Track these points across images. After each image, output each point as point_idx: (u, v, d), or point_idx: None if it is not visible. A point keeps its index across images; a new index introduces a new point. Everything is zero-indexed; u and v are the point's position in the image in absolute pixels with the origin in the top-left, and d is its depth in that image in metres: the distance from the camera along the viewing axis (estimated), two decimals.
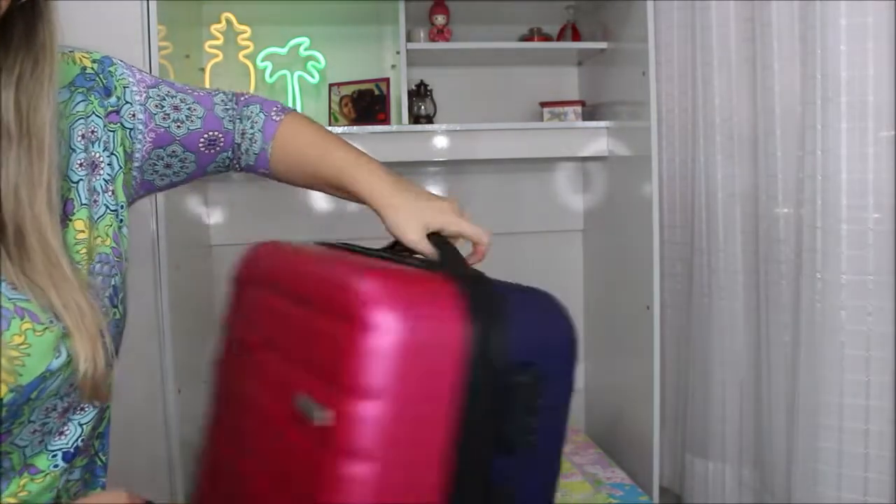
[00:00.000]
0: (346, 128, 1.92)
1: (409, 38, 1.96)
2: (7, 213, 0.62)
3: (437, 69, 2.16)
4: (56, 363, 0.62)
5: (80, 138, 0.72)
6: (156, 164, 0.80)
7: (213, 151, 0.84)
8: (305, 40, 2.02)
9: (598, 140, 2.03)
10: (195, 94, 0.83)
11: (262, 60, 2.00)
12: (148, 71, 1.47)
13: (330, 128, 1.92)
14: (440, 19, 2.04)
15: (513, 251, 2.24)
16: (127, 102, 0.76)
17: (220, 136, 0.84)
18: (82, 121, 0.72)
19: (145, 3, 1.47)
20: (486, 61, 2.18)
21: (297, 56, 2.03)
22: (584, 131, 2.02)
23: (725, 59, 1.78)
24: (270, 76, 2.01)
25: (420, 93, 2.08)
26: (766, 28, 1.63)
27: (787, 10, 1.59)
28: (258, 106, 0.87)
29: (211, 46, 1.94)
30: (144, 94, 0.78)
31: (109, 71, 0.76)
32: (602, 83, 2.09)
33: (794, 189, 1.61)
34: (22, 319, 0.60)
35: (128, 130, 0.76)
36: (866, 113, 1.42)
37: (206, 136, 0.83)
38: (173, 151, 0.81)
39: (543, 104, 2.12)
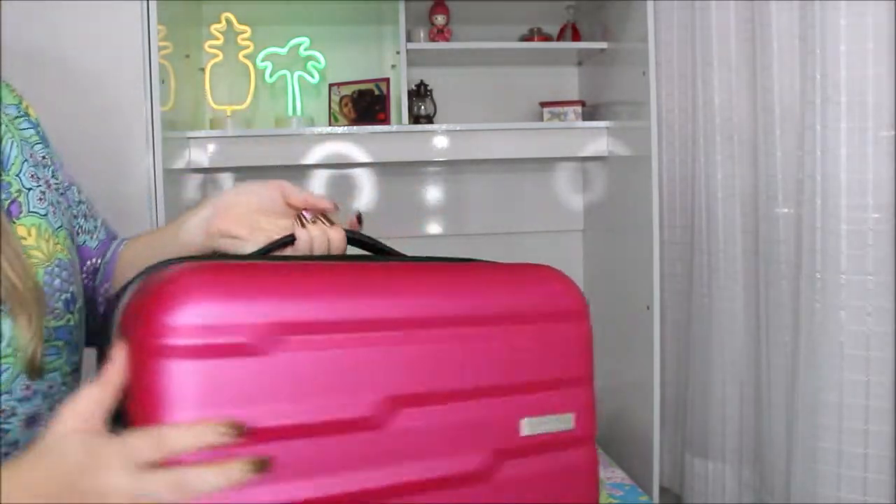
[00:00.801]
0: (346, 128, 1.92)
1: (409, 38, 1.96)
2: None
3: (437, 69, 2.16)
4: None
5: (29, 155, 0.73)
6: None
7: (89, 283, 0.80)
8: (305, 40, 2.02)
9: (598, 140, 2.03)
10: (101, 217, 0.83)
11: (262, 60, 2.00)
12: (148, 71, 1.47)
13: (330, 128, 1.93)
14: (440, 19, 2.04)
15: (513, 251, 2.24)
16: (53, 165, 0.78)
17: (97, 268, 0.81)
18: (29, 145, 0.74)
19: (145, 3, 1.47)
20: (486, 61, 2.18)
21: (297, 56, 2.03)
22: (584, 131, 2.02)
23: (725, 59, 1.78)
24: (270, 76, 2.01)
25: (420, 93, 2.08)
26: (766, 28, 1.63)
27: (787, 10, 1.59)
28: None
29: (211, 46, 1.94)
30: (68, 181, 0.79)
31: (44, 133, 0.78)
32: (602, 83, 2.09)
33: (794, 189, 1.61)
34: None
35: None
36: (866, 113, 1.42)
37: (92, 260, 0.80)
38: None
39: (543, 104, 2.12)
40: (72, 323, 0.71)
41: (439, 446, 0.56)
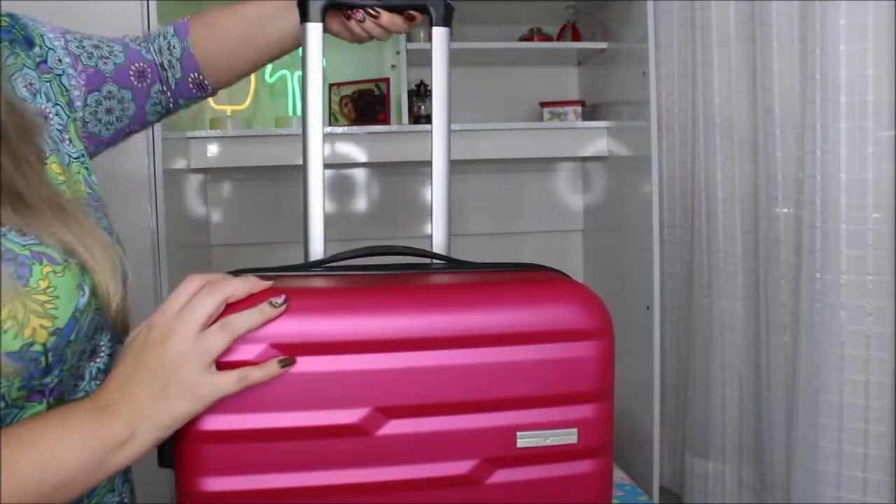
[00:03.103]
0: (346, 128, 1.92)
1: (409, 38, 1.96)
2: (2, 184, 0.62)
3: None
4: (82, 301, 0.62)
5: (23, 89, 0.72)
6: (97, 112, 0.79)
7: (144, 84, 0.83)
8: None
9: (598, 140, 2.03)
10: (105, 37, 0.84)
11: None
12: None
13: (330, 128, 1.93)
14: None
15: (513, 251, 2.24)
16: (49, 49, 0.76)
17: (146, 66, 0.84)
18: (19, 72, 0.72)
19: (145, 3, 1.47)
20: (486, 61, 2.18)
21: (297, 56, 2.02)
22: (584, 131, 2.02)
23: (725, 59, 1.78)
24: (270, 76, 2.01)
25: (420, 93, 2.09)
26: (766, 28, 1.63)
27: (787, 10, 1.59)
28: (162, 26, 0.88)
29: None
30: (63, 39, 0.78)
31: (22, 23, 0.75)
32: (602, 83, 2.09)
33: (793, 189, 1.61)
34: (41, 264, 0.60)
35: (58, 77, 0.76)
36: (866, 113, 1.42)
37: (133, 67, 0.82)
38: (109, 92, 0.80)
39: (543, 104, 2.12)
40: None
41: (428, 452, 0.62)
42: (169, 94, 0.86)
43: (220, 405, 0.59)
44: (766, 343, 1.72)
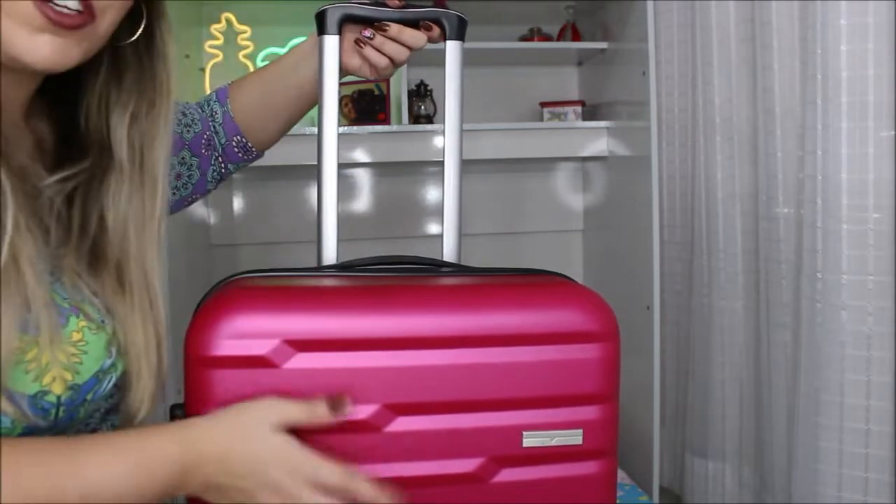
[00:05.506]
0: (346, 128, 1.92)
1: None
2: (112, 245, 0.62)
3: (437, 69, 2.15)
4: (108, 363, 0.61)
5: None
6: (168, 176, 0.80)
7: (209, 153, 0.85)
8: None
9: (598, 140, 2.03)
10: (189, 104, 0.86)
11: (263, 60, 2.00)
12: None
13: None
14: None
15: (513, 251, 2.24)
16: None
17: (211, 134, 0.86)
18: None
19: None
20: (486, 61, 2.18)
21: None
22: (584, 131, 2.02)
23: (725, 59, 1.78)
24: None
25: (420, 93, 2.08)
26: (766, 28, 1.63)
27: (787, 10, 1.59)
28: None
29: (211, 46, 1.94)
30: None
31: None
32: (602, 83, 2.09)
33: (794, 189, 1.61)
34: (78, 317, 0.59)
35: None
36: (866, 113, 1.42)
37: (205, 136, 0.84)
38: (183, 158, 0.81)
39: (543, 104, 2.12)
40: None
41: (435, 450, 0.62)
42: (221, 159, 0.87)
43: (233, 399, 0.60)
44: (766, 343, 1.72)
